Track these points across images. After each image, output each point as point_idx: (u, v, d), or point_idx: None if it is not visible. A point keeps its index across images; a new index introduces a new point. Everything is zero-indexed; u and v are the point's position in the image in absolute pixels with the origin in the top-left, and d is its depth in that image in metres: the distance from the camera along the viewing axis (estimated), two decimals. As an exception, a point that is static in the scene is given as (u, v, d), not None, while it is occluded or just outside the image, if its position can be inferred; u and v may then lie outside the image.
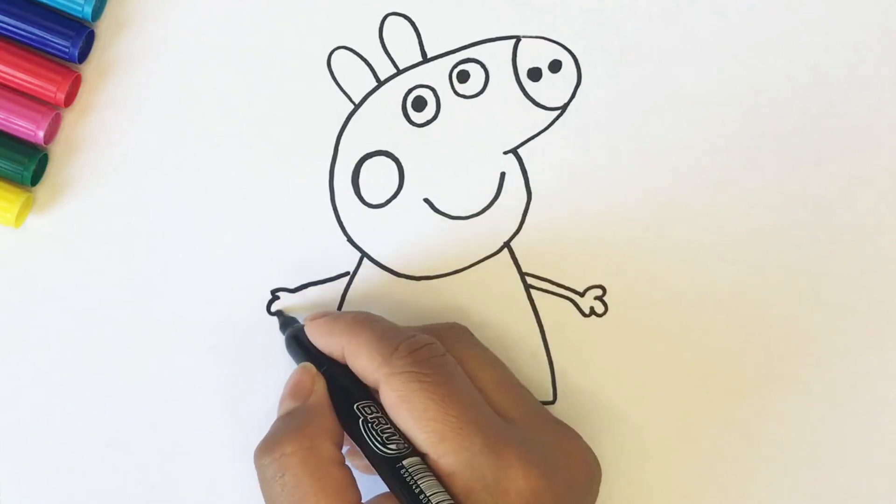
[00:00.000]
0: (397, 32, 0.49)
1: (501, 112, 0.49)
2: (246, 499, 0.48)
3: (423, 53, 0.49)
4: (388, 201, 0.49)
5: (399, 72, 0.49)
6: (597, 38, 0.49)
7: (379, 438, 0.42)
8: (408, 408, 0.42)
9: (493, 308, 0.49)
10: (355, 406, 0.44)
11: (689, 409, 0.49)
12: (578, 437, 0.46)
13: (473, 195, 0.49)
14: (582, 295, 0.49)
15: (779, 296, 0.49)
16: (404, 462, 0.42)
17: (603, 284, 0.49)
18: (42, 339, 0.49)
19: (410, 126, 0.49)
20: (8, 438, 0.49)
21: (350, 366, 0.45)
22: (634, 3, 0.49)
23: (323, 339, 0.46)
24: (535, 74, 0.49)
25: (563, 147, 0.49)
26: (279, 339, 0.48)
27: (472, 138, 0.49)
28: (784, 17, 0.49)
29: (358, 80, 0.49)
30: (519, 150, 0.49)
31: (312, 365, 0.46)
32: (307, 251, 0.49)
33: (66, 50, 0.47)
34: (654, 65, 0.49)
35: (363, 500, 0.42)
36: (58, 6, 0.47)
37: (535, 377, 0.49)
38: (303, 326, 0.47)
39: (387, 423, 0.43)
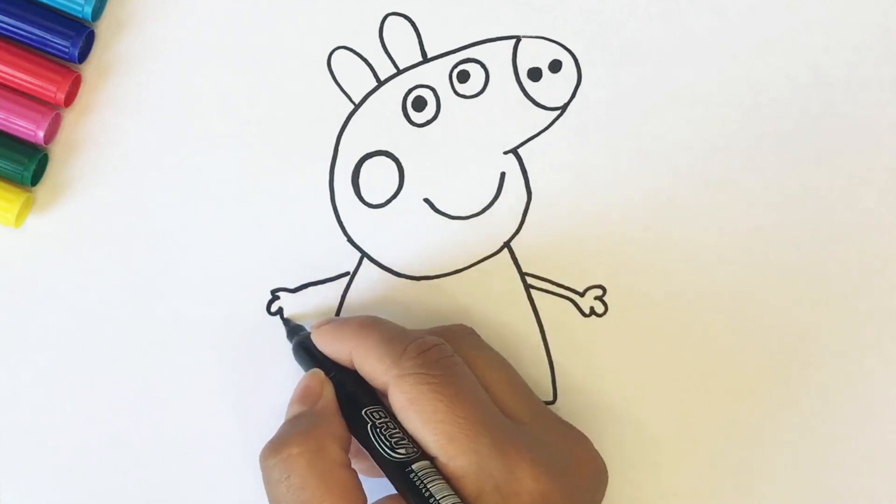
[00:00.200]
0: (397, 32, 0.49)
1: (501, 112, 0.49)
2: (246, 499, 0.48)
3: (424, 53, 0.49)
4: (389, 201, 0.49)
5: (399, 72, 0.49)
6: (597, 38, 0.49)
7: (388, 443, 0.42)
8: (417, 409, 0.42)
9: (494, 308, 0.49)
10: (364, 411, 0.43)
11: (689, 409, 0.49)
12: (586, 438, 0.46)
13: (473, 195, 0.49)
14: (582, 295, 0.49)
15: (779, 296, 0.49)
16: (413, 466, 0.42)
17: (603, 284, 0.49)
18: (42, 339, 0.49)
19: (410, 126, 0.49)
20: (8, 438, 0.49)
21: (358, 369, 0.45)
22: (634, 3, 0.49)
23: (330, 344, 0.46)
24: (535, 74, 0.49)
25: (563, 147, 0.49)
26: (279, 340, 0.48)
27: (472, 138, 0.49)
28: (784, 17, 0.49)
29: (358, 80, 0.49)
30: (519, 150, 0.49)
31: (321, 371, 0.46)
32: (307, 251, 0.49)
33: (66, 50, 0.47)
34: (654, 65, 0.49)
35: (369, 503, 0.42)
36: (58, 6, 0.47)
37: (535, 377, 0.49)
38: (309, 334, 0.47)
39: (395, 428, 0.43)
